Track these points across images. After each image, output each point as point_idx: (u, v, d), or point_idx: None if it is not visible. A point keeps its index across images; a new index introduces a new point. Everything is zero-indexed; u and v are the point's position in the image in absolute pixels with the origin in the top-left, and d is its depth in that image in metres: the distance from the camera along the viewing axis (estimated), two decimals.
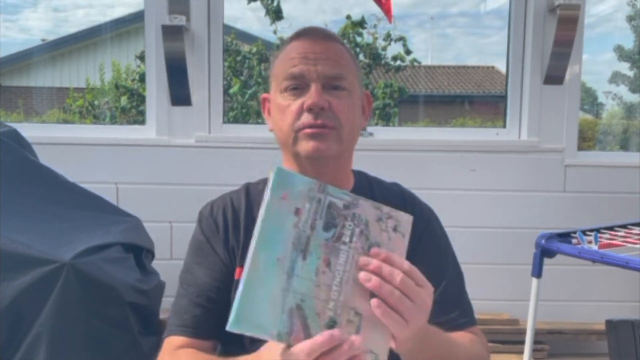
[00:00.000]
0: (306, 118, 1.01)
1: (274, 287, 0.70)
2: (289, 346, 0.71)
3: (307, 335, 0.70)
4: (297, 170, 1.05)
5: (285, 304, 0.70)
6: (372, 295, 0.74)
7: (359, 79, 1.10)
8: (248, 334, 0.70)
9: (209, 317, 1.02)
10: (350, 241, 0.74)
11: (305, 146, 1.02)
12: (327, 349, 0.70)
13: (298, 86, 1.03)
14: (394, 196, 1.13)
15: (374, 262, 0.74)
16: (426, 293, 0.77)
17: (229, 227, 1.07)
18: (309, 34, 1.08)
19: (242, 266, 0.99)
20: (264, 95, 1.14)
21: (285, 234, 0.72)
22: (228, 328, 0.69)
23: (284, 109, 1.04)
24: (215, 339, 1.05)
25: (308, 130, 1.01)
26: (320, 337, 0.70)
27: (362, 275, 0.73)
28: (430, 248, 1.07)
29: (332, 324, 0.72)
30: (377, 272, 0.74)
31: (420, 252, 0.99)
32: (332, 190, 0.75)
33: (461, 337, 1.02)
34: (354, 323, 0.73)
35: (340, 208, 0.75)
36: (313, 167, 1.04)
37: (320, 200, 0.74)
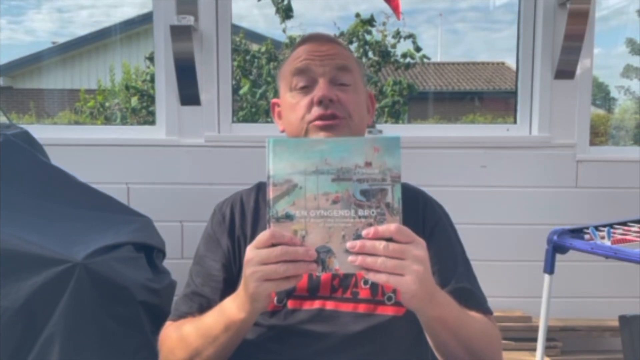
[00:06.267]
0: (316, 110, 1.06)
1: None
2: None
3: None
4: None
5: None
6: None
7: (362, 78, 1.16)
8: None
9: (212, 304, 1.05)
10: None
11: (317, 137, 1.04)
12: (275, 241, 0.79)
13: (306, 84, 1.09)
14: (405, 191, 1.13)
15: (358, 244, 0.78)
16: (416, 247, 0.80)
17: (235, 218, 1.13)
18: (314, 37, 1.16)
19: None
20: (274, 100, 1.20)
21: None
22: None
23: (293, 106, 1.09)
24: None
25: (319, 122, 1.06)
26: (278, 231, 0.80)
27: (351, 258, 0.78)
28: (441, 242, 1.10)
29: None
30: (362, 252, 0.78)
31: (432, 247, 1.04)
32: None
33: (474, 314, 1.02)
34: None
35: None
36: None
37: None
